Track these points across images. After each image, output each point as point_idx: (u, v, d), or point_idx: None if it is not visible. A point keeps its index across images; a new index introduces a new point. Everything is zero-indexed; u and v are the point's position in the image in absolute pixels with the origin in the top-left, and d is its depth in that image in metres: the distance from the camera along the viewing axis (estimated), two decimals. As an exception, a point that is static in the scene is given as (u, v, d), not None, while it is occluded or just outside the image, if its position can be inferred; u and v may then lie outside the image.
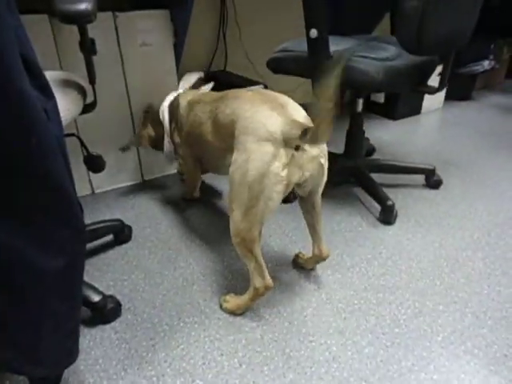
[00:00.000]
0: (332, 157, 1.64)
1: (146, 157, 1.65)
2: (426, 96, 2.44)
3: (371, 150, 1.89)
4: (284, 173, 0.84)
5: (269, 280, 0.96)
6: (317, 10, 1.12)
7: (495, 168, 1.77)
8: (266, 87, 1.74)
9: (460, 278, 1.14)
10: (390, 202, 1.34)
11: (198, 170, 1.34)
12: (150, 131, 1.45)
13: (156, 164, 1.69)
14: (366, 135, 1.65)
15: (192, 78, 1.38)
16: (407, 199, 1.54)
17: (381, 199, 1.38)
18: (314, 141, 0.80)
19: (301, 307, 1.04)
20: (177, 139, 1.32)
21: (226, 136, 0.97)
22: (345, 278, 1.14)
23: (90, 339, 0.96)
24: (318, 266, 1.18)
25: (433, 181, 1.60)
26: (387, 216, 1.36)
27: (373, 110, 2.45)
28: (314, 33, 1.13)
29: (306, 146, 0.86)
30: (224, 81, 1.91)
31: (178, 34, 1.51)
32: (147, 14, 1.45)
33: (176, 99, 1.30)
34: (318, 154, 0.89)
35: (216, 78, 1.94)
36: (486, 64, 2.61)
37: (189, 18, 1.44)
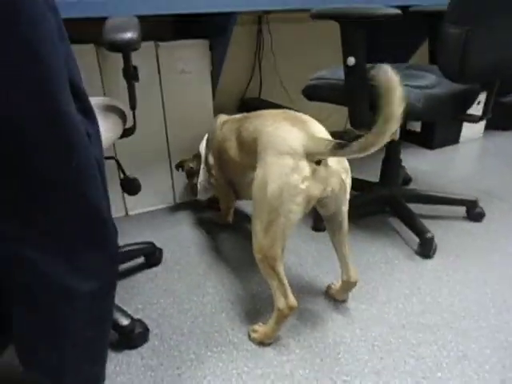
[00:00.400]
0: (367, 185, 1.62)
1: (178, 180, 1.68)
2: (465, 125, 2.37)
3: (407, 180, 1.83)
4: (304, 185, 0.83)
5: (292, 300, 0.92)
6: (355, 37, 1.11)
7: (543, 201, 1.67)
8: (300, 114, 1.75)
9: (509, 320, 1.05)
10: (429, 235, 1.28)
11: (231, 193, 1.34)
12: (192, 162, 1.51)
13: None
14: (402, 164, 1.60)
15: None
16: (447, 232, 1.46)
17: (419, 231, 1.31)
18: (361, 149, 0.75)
19: (334, 342, 0.99)
20: (211, 160, 1.34)
21: (250, 152, 0.99)
22: (381, 314, 1.08)
23: (116, 364, 0.94)
24: (352, 299, 1.13)
25: (475, 213, 1.52)
26: (426, 249, 1.29)
27: (409, 138, 2.40)
28: (351, 61, 1.13)
29: (329, 161, 0.87)
30: (257, 108, 1.93)
31: (215, 62, 1.55)
32: (188, 43, 1.50)
33: (213, 123, 1.33)
34: (339, 170, 0.89)
35: (250, 105, 1.97)
36: (530, 93, 2.52)
37: (227, 47, 1.48)
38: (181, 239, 1.46)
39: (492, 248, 1.36)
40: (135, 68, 0.91)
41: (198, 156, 1.48)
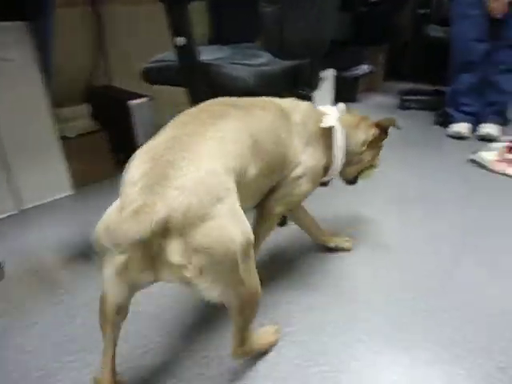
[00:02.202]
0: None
1: (25, 180, 1.48)
2: (317, 99, 2.58)
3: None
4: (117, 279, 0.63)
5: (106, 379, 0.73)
6: (182, 15, 1.10)
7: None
8: (151, 100, 1.69)
9: (340, 265, 1.19)
10: (280, 204, 1.37)
11: None
12: None
13: (38, 188, 1.53)
14: None
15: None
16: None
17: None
18: None
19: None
20: None
21: None
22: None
23: None
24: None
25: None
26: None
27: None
28: (181, 41, 1.11)
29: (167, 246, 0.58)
30: (108, 96, 1.81)
31: (42, 48, 1.39)
32: (2, 26, 1.31)
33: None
34: (179, 263, 0.59)
35: (99, 93, 1.84)
36: (365, 68, 2.86)
37: (51, 30, 1.34)
38: (28, 248, 1.30)
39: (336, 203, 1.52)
40: None
41: None
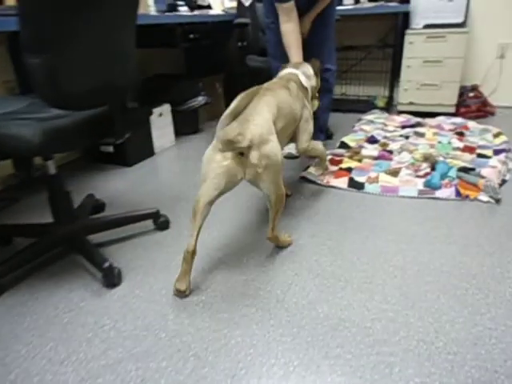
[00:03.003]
0: (42, 229, 1.44)
1: None
2: (156, 136, 2.52)
3: (99, 207, 1.76)
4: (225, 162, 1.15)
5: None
6: None
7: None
8: None
9: (184, 319, 1.12)
10: (106, 264, 1.23)
11: None
12: None
13: None
14: (91, 192, 1.50)
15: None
16: (137, 250, 1.47)
17: (97, 263, 1.25)
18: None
19: None
20: None
21: None
22: (57, 376, 0.95)
23: None
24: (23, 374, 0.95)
25: (160, 222, 1.59)
26: (109, 279, 1.25)
27: (104, 160, 2.35)
28: None
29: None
30: None
31: None
32: None
33: None
34: (256, 163, 1.15)
35: None
36: (201, 99, 2.92)
37: None
38: None
39: (178, 253, 1.44)
40: None
41: None
